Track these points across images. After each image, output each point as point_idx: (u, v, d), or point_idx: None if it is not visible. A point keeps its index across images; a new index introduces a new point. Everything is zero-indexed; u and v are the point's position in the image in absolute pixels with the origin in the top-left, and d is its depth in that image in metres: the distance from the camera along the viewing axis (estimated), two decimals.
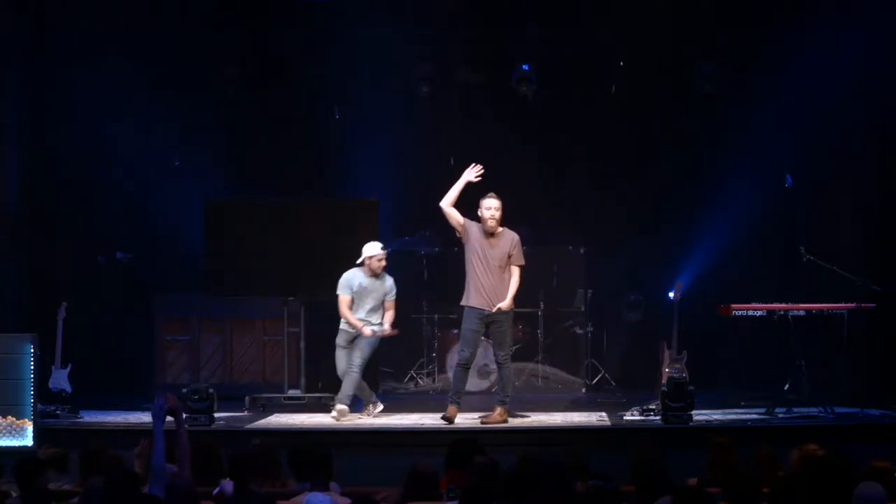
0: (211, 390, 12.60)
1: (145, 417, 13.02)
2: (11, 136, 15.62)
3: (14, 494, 7.82)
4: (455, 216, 12.68)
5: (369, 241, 13.69)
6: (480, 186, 12.85)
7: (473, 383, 14.41)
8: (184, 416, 8.13)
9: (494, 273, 12.63)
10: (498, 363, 12.79)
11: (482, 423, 12.56)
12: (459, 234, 12.79)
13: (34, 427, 11.50)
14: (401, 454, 8.83)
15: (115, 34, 15.59)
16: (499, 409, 12.59)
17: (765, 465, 7.90)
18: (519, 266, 12.72)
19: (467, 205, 12.84)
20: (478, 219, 12.74)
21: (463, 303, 12.83)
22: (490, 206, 12.66)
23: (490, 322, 12.66)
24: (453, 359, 14.52)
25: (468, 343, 12.69)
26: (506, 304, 12.61)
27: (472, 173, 12.68)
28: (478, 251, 12.63)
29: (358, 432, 12.44)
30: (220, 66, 16.14)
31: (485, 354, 14.81)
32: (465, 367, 12.73)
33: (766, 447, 8.30)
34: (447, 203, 12.64)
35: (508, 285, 12.64)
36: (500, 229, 12.75)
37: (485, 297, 12.61)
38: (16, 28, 15.59)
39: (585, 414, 13.49)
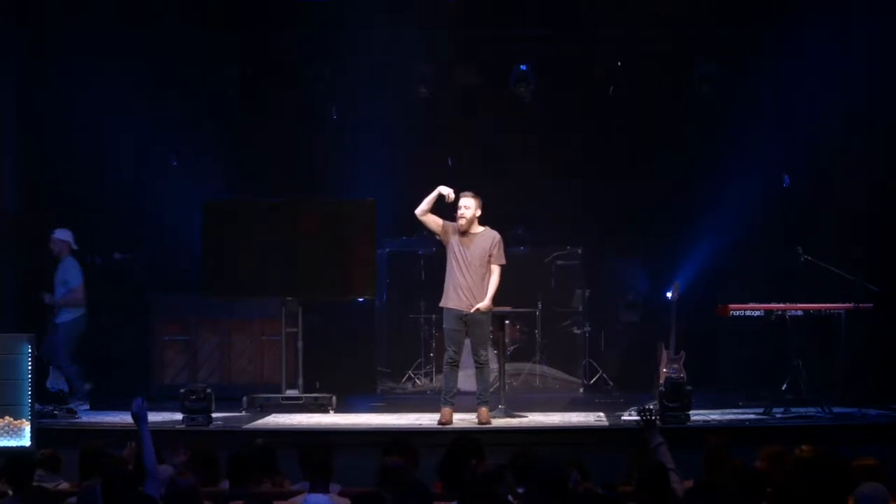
0: (209, 390, 12.59)
1: None
2: (10, 137, 15.60)
3: (10, 493, 7.80)
4: (432, 221, 12.67)
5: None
6: (472, 187, 12.85)
7: (471, 383, 14.36)
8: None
9: (474, 272, 12.53)
10: (479, 363, 12.69)
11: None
12: (440, 236, 12.77)
13: (32, 427, 11.46)
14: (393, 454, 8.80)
15: (114, 34, 15.55)
16: (482, 410, 12.55)
17: (772, 462, 7.85)
18: (500, 265, 12.61)
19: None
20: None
21: (441, 304, 12.77)
22: (461, 205, 12.61)
23: (468, 322, 12.59)
24: None
25: (452, 342, 12.63)
26: (484, 304, 12.52)
27: (446, 191, 12.59)
28: (455, 251, 12.57)
29: (355, 432, 12.40)
30: (219, 66, 16.11)
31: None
32: (453, 365, 12.66)
33: (773, 444, 8.25)
34: (422, 211, 12.62)
35: (488, 285, 12.60)
36: (481, 228, 12.67)
37: (463, 297, 12.53)
38: (15, 28, 15.55)
39: (583, 414, 13.48)
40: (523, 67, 16.07)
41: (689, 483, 7.67)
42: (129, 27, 15.58)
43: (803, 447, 7.96)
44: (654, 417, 7.97)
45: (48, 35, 15.73)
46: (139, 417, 7.90)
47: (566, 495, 6.99)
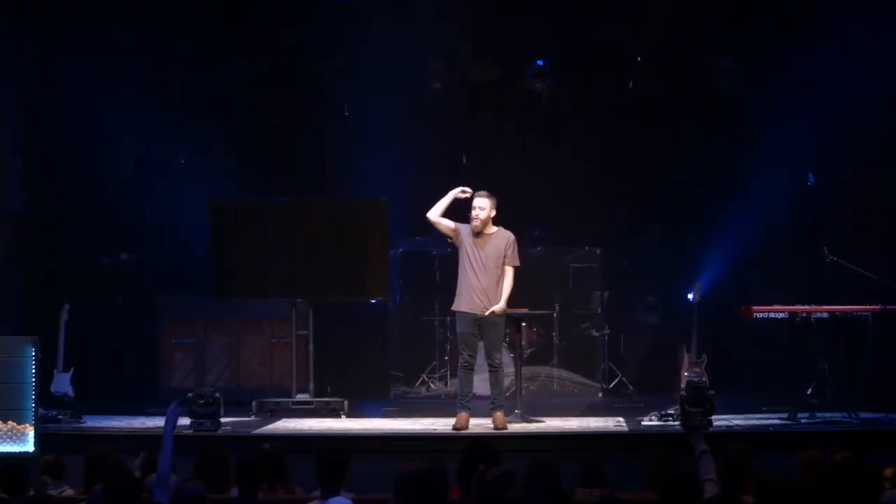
0: (217, 394, 12.56)
1: (149, 422, 13.02)
2: (12, 138, 15.66)
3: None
4: (444, 224, 12.65)
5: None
6: (487, 186, 12.84)
7: (486, 387, 14.35)
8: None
9: (489, 274, 12.48)
10: (493, 367, 12.66)
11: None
12: (452, 239, 12.76)
13: (35, 432, 11.47)
14: (412, 461, 8.76)
15: (117, 33, 15.60)
16: (498, 415, 12.54)
17: (808, 469, 7.81)
18: (514, 267, 12.57)
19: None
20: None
21: (454, 308, 12.75)
22: (475, 206, 12.57)
23: (483, 325, 12.56)
24: None
25: (467, 345, 12.61)
26: (499, 306, 12.47)
27: (459, 192, 12.59)
28: (468, 252, 12.54)
29: (367, 438, 12.40)
30: (226, 63, 16.13)
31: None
32: (468, 369, 12.65)
33: (811, 449, 8.21)
34: (434, 215, 12.62)
35: (502, 286, 12.56)
36: (495, 229, 12.63)
37: (477, 300, 12.49)
38: (15, 28, 15.60)
39: (602, 419, 13.46)
40: (540, 63, 16.07)
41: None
42: (130, 26, 15.62)
43: (842, 454, 7.91)
44: (700, 421, 7.89)
45: (49, 35, 15.78)
46: (168, 421, 7.86)
47: None
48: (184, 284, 15.80)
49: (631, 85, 16.15)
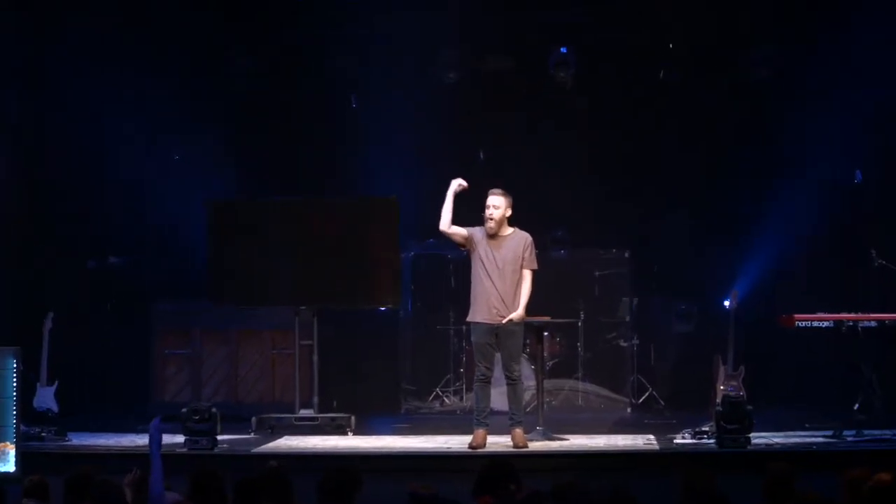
0: (214, 410, 12.53)
1: (140, 440, 12.94)
2: (8, 138, 15.71)
3: None
4: (456, 232, 12.57)
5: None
6: (505, 184, 12.73)
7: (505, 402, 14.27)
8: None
9: (505, 278, 12.38)
10: (511, 380, 12.56)
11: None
12: (465, 247, 12.66)
13: (17, 451, 11.40)
14: (425, 481, 8.69)
15: (117, 33, 15.72)
16: (517, 432, 12.44)
17: (855, 490, 7.70)
18: (532, 270, 12.47)
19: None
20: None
21: (469, 319, 12.66)
22: (489, 204, 12.48)
23: (500, 334, 12.44)
24: None
25: (484, 357, 12.52)
26: (518, 314, 12.37)
27: (456, 187, 12.49)
28: (482, 256, 12.42)
29: (376, 456, 12.34)
30: (228, 55, 16.20)
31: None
32: (485, 382, 12.57)
33: (858, 469, 8.10)
34: (446, 225, 12.52)
35: (520, 292, 12.43)
36: (511, 230, 12.54)
37: (493, 308, 12.38)
38: (15, 28, 15.76)
39: (631, 436, 13.40)
40: (563, 50, 16.00)
41: None
42: (130, 25, 15.75)
43: (881, 475, 7.80)
44: None
45: (49, 35, 15.95)
46: (152, 439, 7.83)
47: None
48: (178, 290, 15.82)
49: (662, 74, 16.04)
